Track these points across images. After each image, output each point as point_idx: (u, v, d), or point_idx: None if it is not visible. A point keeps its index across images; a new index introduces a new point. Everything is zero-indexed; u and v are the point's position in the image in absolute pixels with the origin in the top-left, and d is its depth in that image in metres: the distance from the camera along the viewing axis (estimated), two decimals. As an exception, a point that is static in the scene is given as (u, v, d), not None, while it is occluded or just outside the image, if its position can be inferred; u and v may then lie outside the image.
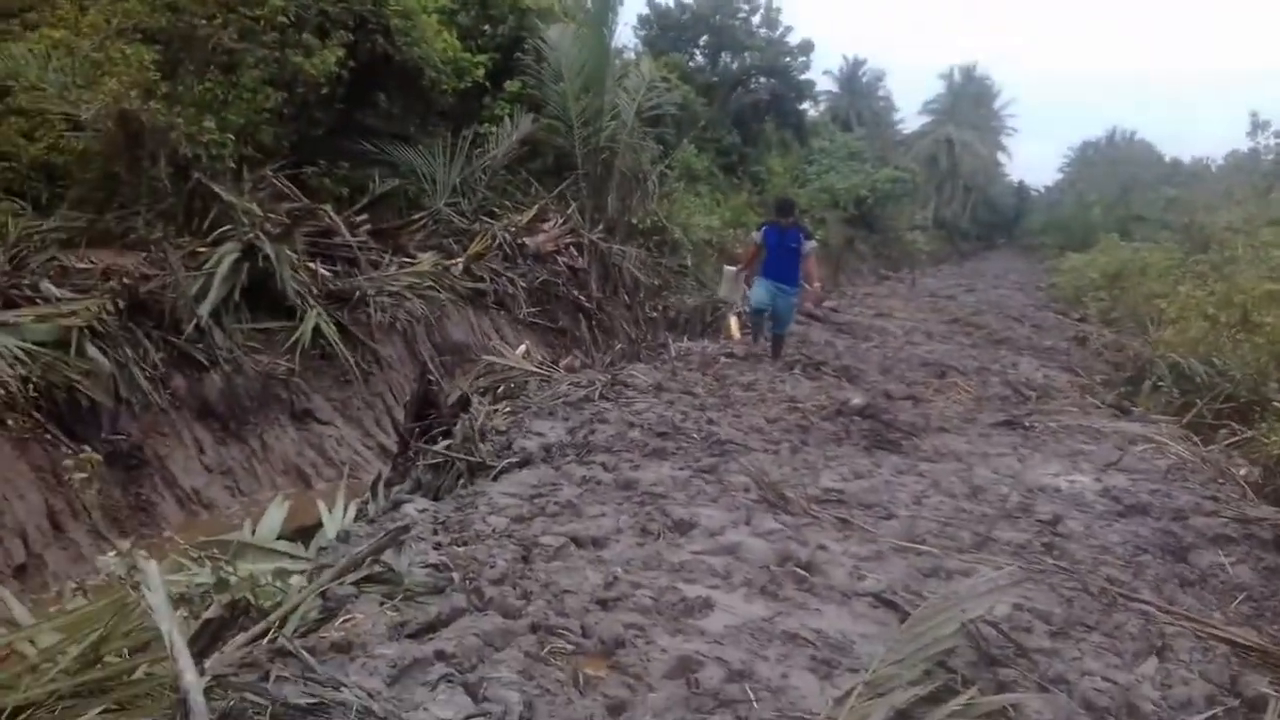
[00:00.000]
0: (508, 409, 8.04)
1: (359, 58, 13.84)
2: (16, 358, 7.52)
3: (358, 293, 11.43)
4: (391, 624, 3.60)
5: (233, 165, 11.58)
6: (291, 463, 9.73)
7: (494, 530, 4.83)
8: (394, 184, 15.03)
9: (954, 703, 3.19)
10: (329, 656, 3.27)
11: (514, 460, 6.47)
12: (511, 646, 3.48)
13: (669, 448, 6.74)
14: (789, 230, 10.84)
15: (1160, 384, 10.81)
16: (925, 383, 10.50)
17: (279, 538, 5.68)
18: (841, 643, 3.83)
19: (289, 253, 10.79)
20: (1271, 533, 5.52)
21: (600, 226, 17.06)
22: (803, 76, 34.87)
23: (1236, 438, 8.45)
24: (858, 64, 58.20)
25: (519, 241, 15.00)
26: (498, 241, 14.66)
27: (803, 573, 4.50)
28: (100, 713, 2.86)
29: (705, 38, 32.98)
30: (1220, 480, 6.99)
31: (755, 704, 3.29)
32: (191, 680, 2.76)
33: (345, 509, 6.42)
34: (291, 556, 5.30)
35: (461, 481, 6.49)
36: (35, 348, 7.76)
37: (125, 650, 3.26)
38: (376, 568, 4.01)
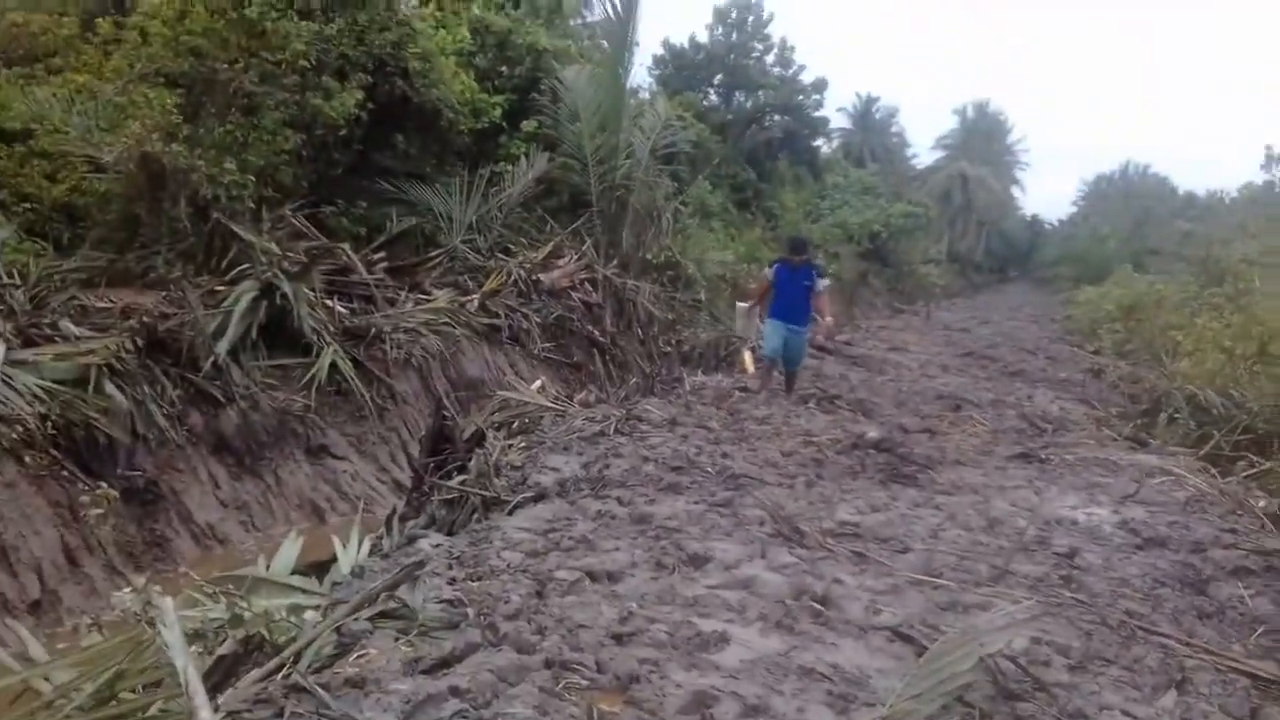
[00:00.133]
0: (522, 444, 8.04)
1: (378, 99, 14.03)
2: (36, 395, 7.60)
3: (374, 329, 11.51)
4: (406, 660, 3.59)
5: (252, 205, 11.72)
6: (306, 498, 9.76)
7: (509, 565, 4.82)
8: (411, 222, 15.19)
9: (971, 737, 3.16)
10: (343, 692, 3.27)
11: (529, 495, 6.47)
12: (526, 682, 3.46)
13: (684, 482, 6.72)
14: (801, 269, 10.76)
15: (1177, 416, 10.75)
16: (940, 416, 10.46)
17: (293, 573, 5.69)
18: (858, 677, 3.79)
19: (306, 291, 10.89)
20: (1292, 565, 5.46)
21: (615, 262, 17.16)
22: (816, 113, 35.23)
23: (1255, 469, 8.38)
24: (871, 100, 58.71)
25: (534, 278, 15.09)
26: (513, 278, 14.77)
27: (818, 607, 4.48)
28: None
29: (720, 77, 33.36)
30: (1239, 512, 6.92)
31: (771, 739, 3.27)
32: (206, 716, 2.77)
33: (360, 544, 6.42)
34: (306, 592, 5.30)
35: (476, 516, 6.49)
36: (54, 385, 7.83)
37: (140, 687, 3.27)
38: (391, 603, 4.01)
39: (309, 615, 4.32)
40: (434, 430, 8.26)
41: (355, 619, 3.88)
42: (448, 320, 12.80)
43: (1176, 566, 5.48)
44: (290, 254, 11.37)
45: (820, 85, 34.49)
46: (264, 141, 12.19)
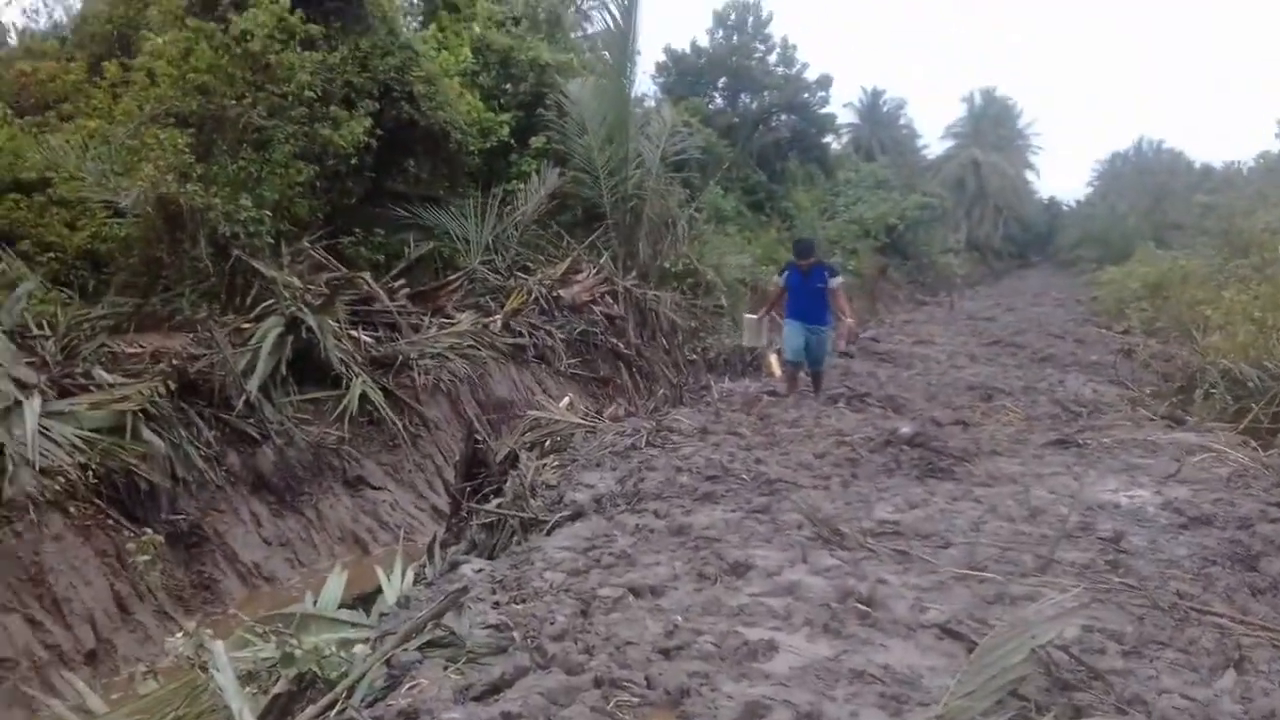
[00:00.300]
0: (556, 463, 8.05)
1: (385, 125, 14.13)
2: (75, 446, 7.69)
3: (400, 357, 11.59)
4: (457, 688, 3.60)
5: (270, 240, 11.82)
6: (348, 530, 9.82)
7: (551, 586, 4.83)
8: (428, 247, 15.28)
9: (1030, 732, 3.14)
10: (398, 724, 3.29)
11: (566, 514, 6.47)
12: (577, 703, 3.46)
13: (719, 490, 6.71)
14: (812, 270, 10.67)
15: (1212, 391, 10.61)
16: (972, 407, 10.39)
17: (340, 606, 5.71)
18: (910, 677, 3.77)
19: (331, 323, 10.98)
20: (1342, 535, 5.38)
21: (633, 273, 17.20)
22: (823, 110, 35.18)
23: (1296, 440, 8.27)
24: (877, 94, 58.59)
25: (554, 294, 15.15)
26: (534, 296, 14.83)
27: (864, 608, 4.45)
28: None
29: (723, 80, 33.36)
30: (1284, 485, 6.83)
31: (827, 745, 3.25)
32: (265, 755, 2.79)
33: (403, 573, 6.45)
34: (354, 625, 5.32)
35: (515, 538, 6.51)
36: (92, 434, 7.94)
37: (198, 730, 3.31)
38: (438, 632, 4.03)
39: (358, 649, 4.33)
40: (467, 455, 8.28)
41: (404, 650, 3.90)
42: (473, 343, 12.87)
43: (1225, 544, 5.42)
44: (312, 287, 11.47)
45: (825, 82, 34.49)
46: (277, 175, 12.29)
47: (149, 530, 7.58)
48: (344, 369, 10.80)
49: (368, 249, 14.59)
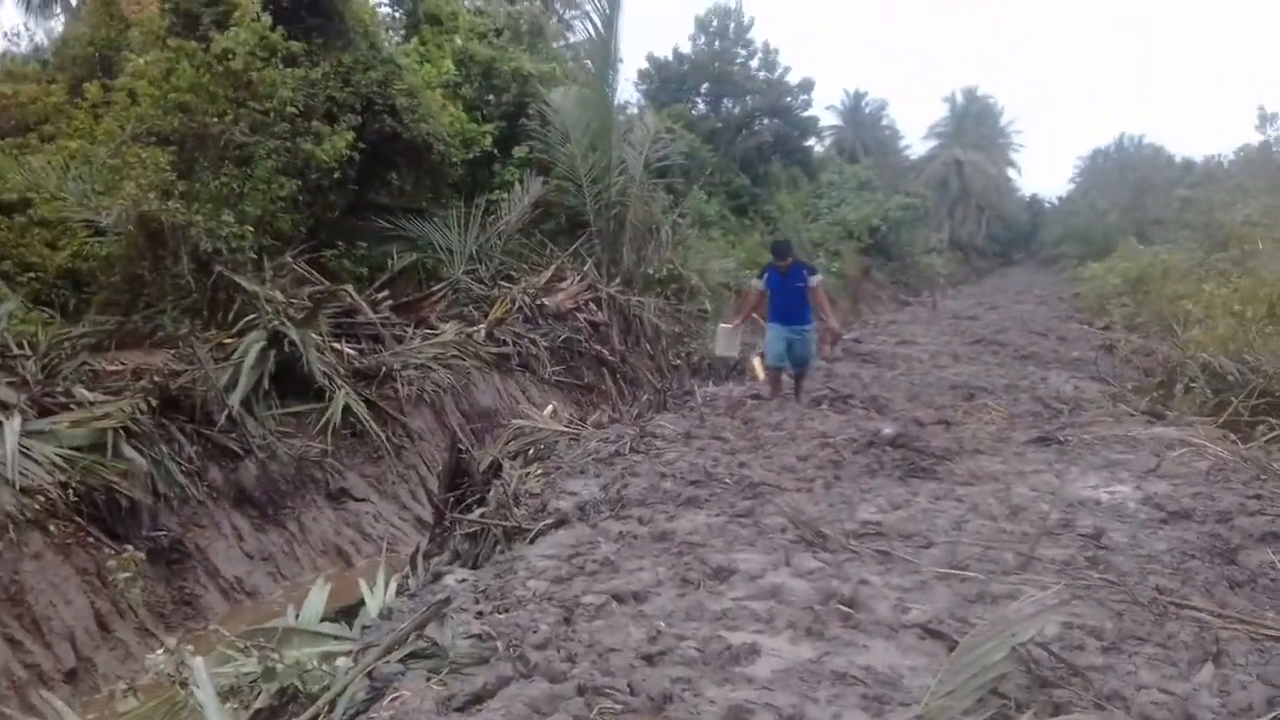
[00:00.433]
0: (539, 471, 8.05)
1: (368, 138, 14.12)
2: (55, 464, 7.65)
3: (384, 368, 11.56)
4: (439, 699, 3.59)
5: (253, 255, 11.78)
6: (331, 543, 9.79)
7: (534, 594, 4.82)
8: (412, 258, 15.28)
9: (1009, 730, 3.15)
10: (379, 736, 3.28)
11: (549, 522, 6.47)
12: (560, 711, 3.46)
13: (702, 495, 6.72)
14: (790, 271, 10.72)
15: (1193, 385, 10.68)
16: (955, 406, 10.42)
17: (323, 619, 5.70)
18: (891, 678, 3.79)
19: (314, 336, 10.95)
20: (1320, 527, 5.43)
21: (617, 280, 17.21)
22: (805, 114, 35.33)
23: (1275, 433, 8.32)
24: (859, 96, 58.83)
25: (538, 302, 15.15)
26: (517, 305, 14.83)
27: (847, 609, 4.47)
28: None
29: (706, 85, 33.47)
30: (1262, 477, 6.87)
31: (809, 748, 3.26)
32: (245, 771, 2.78)
33: (386, 585, 6.43)
34: (337, 638, 5.31)
35: (499, 547, 6.49)
36: (73, 452, 7.90)
37: (178, 747, 3.29)
38: (421, 643, 4.02)
39: (340, 662, 4.32)
40: (451, 465, 8.26)
41: (386, 662, 3.89)
42: (456, 353, 12.85)
43: (1204, 538, 5.45)
44: (295, 301, 11.44)
45: (807, 85, 34.62)
46: (259, 191, 12.25)
47: (130, 547, 7.53)
48: (327, 382, 10.77)
49: (351, 262, 14.58)
